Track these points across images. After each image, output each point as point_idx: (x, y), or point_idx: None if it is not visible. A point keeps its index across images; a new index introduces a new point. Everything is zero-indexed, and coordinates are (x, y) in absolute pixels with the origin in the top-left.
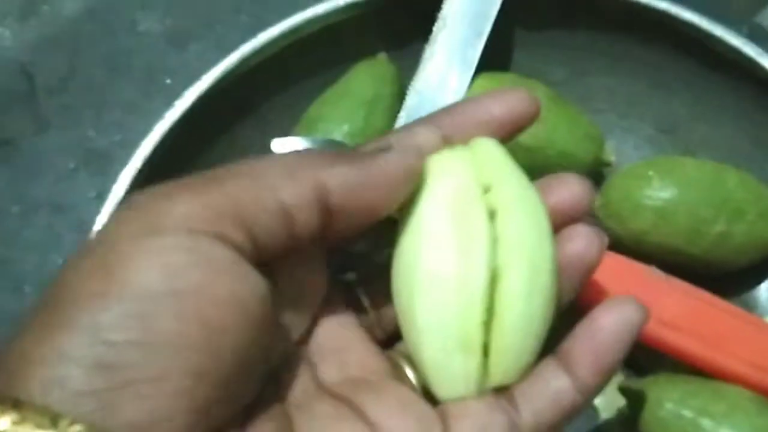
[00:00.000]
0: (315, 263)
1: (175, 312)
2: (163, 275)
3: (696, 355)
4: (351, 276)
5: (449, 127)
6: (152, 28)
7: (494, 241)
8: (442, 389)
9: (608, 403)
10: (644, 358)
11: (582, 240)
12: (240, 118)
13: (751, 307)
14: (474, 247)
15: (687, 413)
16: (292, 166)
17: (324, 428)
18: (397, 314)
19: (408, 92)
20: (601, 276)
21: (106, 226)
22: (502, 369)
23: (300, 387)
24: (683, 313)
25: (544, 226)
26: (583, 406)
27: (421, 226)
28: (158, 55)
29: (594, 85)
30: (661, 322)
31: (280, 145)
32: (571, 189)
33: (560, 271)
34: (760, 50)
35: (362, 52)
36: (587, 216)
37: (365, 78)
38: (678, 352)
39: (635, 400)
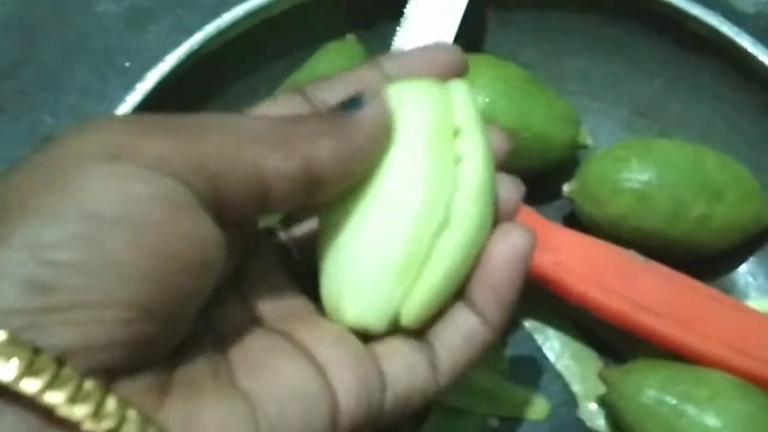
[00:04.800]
0: None
1: (128, 240)
2: (119, 202)
3: (676, 340)
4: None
5: (393, 69)
6: (109, 9)
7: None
8: (353, 311)
9: (588, 391)
10: (623, 344)
11: (518, 234)
12: (204, 102)
13: (730, 290)
14: (442, 188)
15: (669, 400)
16: (282, 136)
17: (261, 361)
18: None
19: None
20: (579, 261)
21: (62, 143)
22: (416, 310)
23: (233, 322)
24: (662, 298)
25: (493, 189)
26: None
27: (395, 152)
28: (116, 37)
29: (568, 67)
30: (640, 307)
31: None
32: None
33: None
34: (737, 29)
35: (331, 33)
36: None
37: (334, 59)
38: (658, 337)
39: (615, 388)
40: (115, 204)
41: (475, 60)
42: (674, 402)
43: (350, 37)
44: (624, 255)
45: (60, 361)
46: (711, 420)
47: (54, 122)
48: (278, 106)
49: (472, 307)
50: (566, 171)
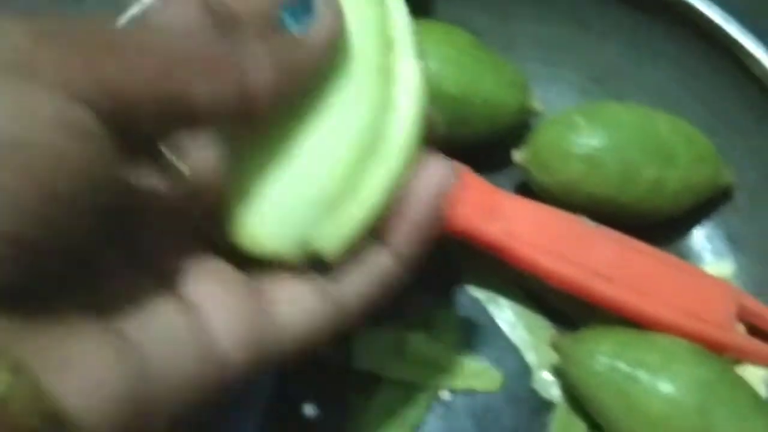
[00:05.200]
0: None
1: (21, 166)
2: (18, 123)
3: (629, 306)
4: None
5: None
6: None
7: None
8: (265, 236)
9: (542, 360)
10: (576, 311)
11: (439, 168)
12: None
13: (686, 255)
14: (378, 113)
15: (622, 366)
16: (214, 61)
17: (137, 300)
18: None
19: None
20: (530, 229)
21: None
22: (335, 240)
23: (111, 259)
24: (615, 263)
25: (425, 117)
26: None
27: (340, 65)
28: None
29: (518, 32)
30: (593, 274)
31: None
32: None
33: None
34: None
35: None
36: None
37: None
38: (611, 304)
39: (568, 356)
40: (13, 125)
41: (423, 26)
42: (627, 368)
43: None
44: (576, 221)
45: None
46: (664, 386)
47: None
48: (170, 8)
49: (387, 242)
50: (520, 139)
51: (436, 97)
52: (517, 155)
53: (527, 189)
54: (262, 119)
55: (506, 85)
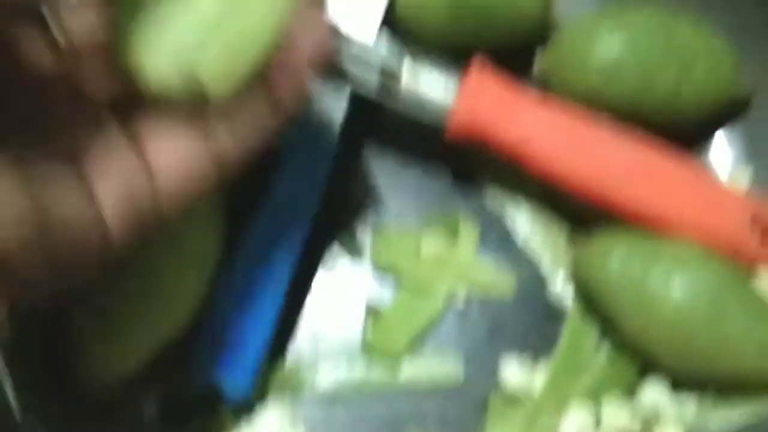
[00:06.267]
0: None
1: None
2: None
3: (646, 210)
4: None
5: None
6: None
7: None
8: (150, 63)
9: (556, 262)
10: (593, 219)
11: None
12: None
13: (703, 162)
14: None
15: (636, 267)
16: None
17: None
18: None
19: None
20: (550, 136)
21: None
22: (214, 66)
23: None
24: (633, 169)
25: None
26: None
27: None
28: None
29: None
30: (611, 178)
31: None
32: None
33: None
34: None
35: None
36: None
37: None
38: (628, 208)
39: (583, 258)
40: None
41: None
42: (640, 269)
43: None
44: (594, 126)
45: None
46: (677, 286)
47: None
48: None
49: (266, 90)
50: (543, 43)
51: (457, 7)
52: (538, 65)
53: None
54: None
55: None
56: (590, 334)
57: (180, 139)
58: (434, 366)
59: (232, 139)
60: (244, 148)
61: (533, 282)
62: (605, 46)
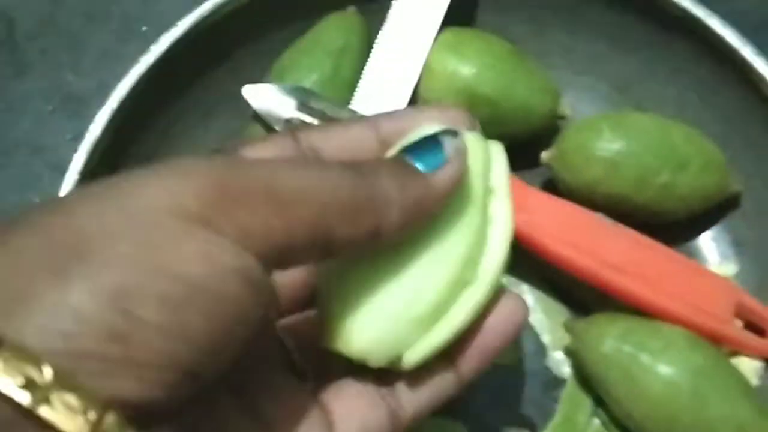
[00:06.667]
0: None
1: (206, 311)
2: (206, 271)
3: (637, 295)
4: None
5: (389, 130)
6: None
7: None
8: (361, 343)
9: (556, 341)
10: (590, 299)
11: (514, 303)
12: (213, 65)
13: (693, 255)
14: (478, 247)
15: (627, 348)
16: (356, 204)
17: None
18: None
19: (374, 46)
20: (552, 222)
21: (147, 190)
22: (418, 357)
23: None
24: (628, 258)
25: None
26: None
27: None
28: (135, 4)
29: (553, 43)
30: (607, 265)
31: (252, 91)
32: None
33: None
34: (708, 12)
35: (332, 4)
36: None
37: (335, 29)
38: (622, 294)
39: (579, 338)
40: (204, 273)
41: (465, 33)
42: (631, 351)
43: (351, 9)
44: (594, 217)
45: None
46: (664, 368)
47: (75, 81)
48: (271, 147)
49: (452, 361)
50: (548, 141)
51: (474, 100)
52: (545, 155)
53: (552, 187)
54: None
55: (539, 91)
56: (585, 403)
57: (363, 398)
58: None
59: (413, 406)
60: (422, 413)
61: (535, 353)
62: (606, 143)
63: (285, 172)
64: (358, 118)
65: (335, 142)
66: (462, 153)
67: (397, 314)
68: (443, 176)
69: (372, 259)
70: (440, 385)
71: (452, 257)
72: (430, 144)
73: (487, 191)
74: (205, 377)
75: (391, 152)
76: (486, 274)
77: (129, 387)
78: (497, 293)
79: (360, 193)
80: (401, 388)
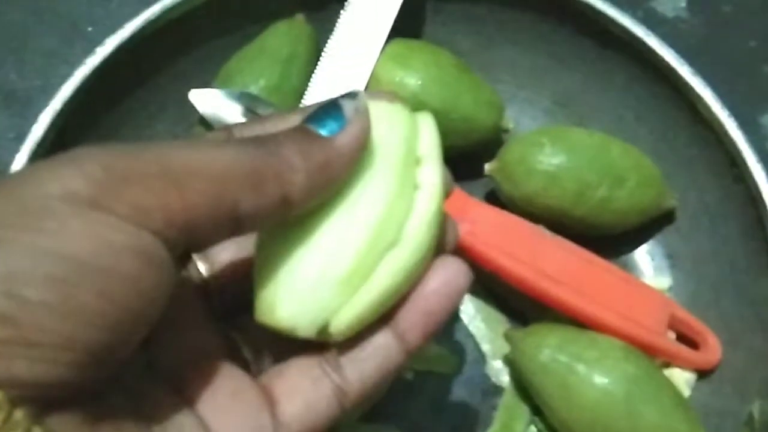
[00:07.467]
0: None
1: (99, 289)
2: (96, 250)
3: (574, 306)
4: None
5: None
6: None
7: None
8: (286, 313)
9: (495, 349)
10: (529, 309)
11: (456, 268)
12: (160, 68)
13: (630, 268)
14: (398, 210)
15: (563, 358)
16: (259, 175)
17: (159, 414)
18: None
19: (323, 54)
20: (492, 233)
21: (41, 177)
22: (347, 322)
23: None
24: (565, 268)
25: (442, 221)
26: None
27: (360, 168)
28: (82, 5)
29: (498, 57)
30: (545, 276)
31: (199, 95)
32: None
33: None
34: (647, 31)
35: (281, 11)
36: None
37: (282, 37)
38: (558, 303)
39: (518, 347)
40: (92, 252)
41: (412, 45)
42: (567, 361)
43: (299, 16)
44: (534, 229)
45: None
46: (598, 378)
47: (18, 80)
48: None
49: (395, 330)
50: (491, 152)
51: (419, 110)
52: (488, 167)
53: (495, 198)
54: (295, 213)
55: (483, 103)
56: (523, 412)
57: (305, 376)
58: None
59: (357, 377)
60: (369, 384)
61: (474, 361)
62: (547, 156)
63: (178, 150)
64: (288, 110)
65: (261, 131)
66: (363, 113)
67: (316, 279)
68: (345, 138)
69: (290, 229)
70: (384, 355)
71: (370, 219)
72: (330, 109)
73: (415, 159)
74: (116, 356)
75: (294, 122)
76: (411, 236)
77: (23, 367)
78: (436, 259)
79: (261, 163)
80: (344, 362)
